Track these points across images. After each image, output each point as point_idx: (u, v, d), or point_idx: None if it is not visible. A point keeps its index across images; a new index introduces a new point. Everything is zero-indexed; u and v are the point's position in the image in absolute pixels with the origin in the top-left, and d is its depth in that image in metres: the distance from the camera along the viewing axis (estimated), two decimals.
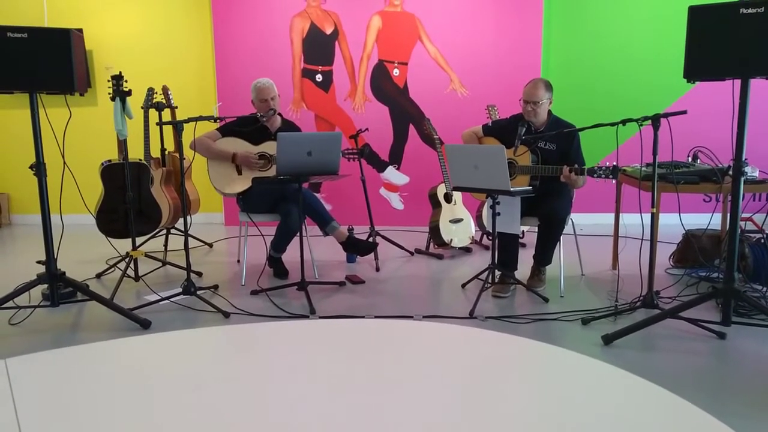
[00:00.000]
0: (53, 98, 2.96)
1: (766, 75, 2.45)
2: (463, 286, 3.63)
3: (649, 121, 2.80)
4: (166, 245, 4.56)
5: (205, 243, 4.88)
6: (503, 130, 3.59)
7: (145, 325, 2.97)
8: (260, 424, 0.95)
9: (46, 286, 3.09)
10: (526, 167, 3.43)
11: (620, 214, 4.05)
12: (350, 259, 4.24)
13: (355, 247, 3.88)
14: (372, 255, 4.14)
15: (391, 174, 5.66)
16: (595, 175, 3.12)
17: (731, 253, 2.67)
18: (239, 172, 3.75)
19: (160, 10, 5.73)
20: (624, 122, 2.90)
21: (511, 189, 3.08)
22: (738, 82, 2.55)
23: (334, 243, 3.98)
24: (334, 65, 5.55)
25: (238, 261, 4.35)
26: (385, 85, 5.55)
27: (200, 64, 5.79)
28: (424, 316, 3.12)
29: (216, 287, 3.61)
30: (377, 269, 4.05)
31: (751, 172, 3.25)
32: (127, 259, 3.71)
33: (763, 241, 3.43)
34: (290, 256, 3.90)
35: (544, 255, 3.54)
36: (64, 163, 3.04)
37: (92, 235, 4.39)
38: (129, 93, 3.52)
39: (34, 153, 2.89)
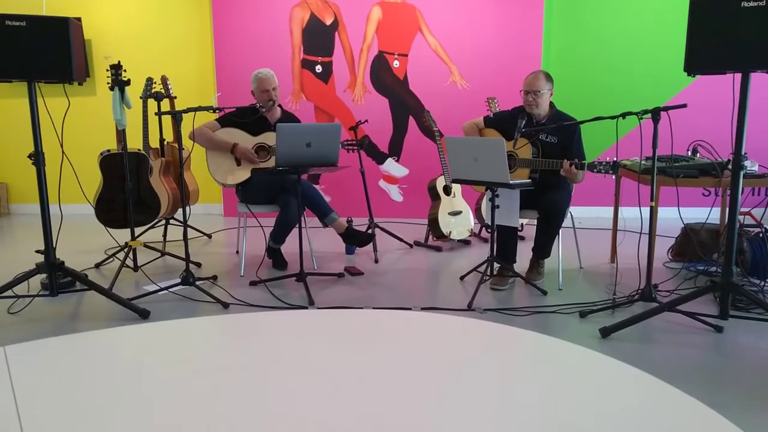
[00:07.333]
0: (52, 87, 2.94)
1: (766, 69, 2.44)
2: (462, 278, 3.64)
3: (649, 115, 2.80)
4: (165, 236, 4.56)
5: (204, 234, 4.88)
6: (505, 122, 3.58)
7: (143, 315, 2.97)
8: (258, 413, 0.96)
9: (45, 275, 3.09)
10: (526, 160, 3.43)
11: (619, 208, 4.05)
12: (349, 250, 4.24)
13: (354, 238, 3.89)
14: (371, 247, 4.14)
15: (391, 166, 5.66)
16: (595, 170, 3.11)
17: (730, 247, 2.67)
18: (238, 163, 3.75)
19: (159, 0, 5.70)
20: (624, 115, 2.90)
21: (511, 182, 3.08)
22: (738, 76, 2.55)
23: (333, 234, 3.98)
24: (333, 56, 5.53)
25: (237, 252, 4.35)
26: (384, 77, 5.53)
27: (199, 54, 5.77)
28: (422, 308, 3.12)
29: (215, 278, 3.61)
30: (376, 261, 4.05)
31: (751, 166, 3.25)
32: (126, 249, 3.71)
33: (761, 235, 3.43)
34: (289, 247, 3.90)
35: (542, 248, 3.54)
36: (63, 152, 3.03)
37: (91, 225, 4.39)
38: (128, 82, 3.51)
39: (32, 142, 2.88)
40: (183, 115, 3.16)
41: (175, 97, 4.42)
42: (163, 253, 4.10)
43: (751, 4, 2.38)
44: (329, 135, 3.30)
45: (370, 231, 4.14)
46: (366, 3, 5.43)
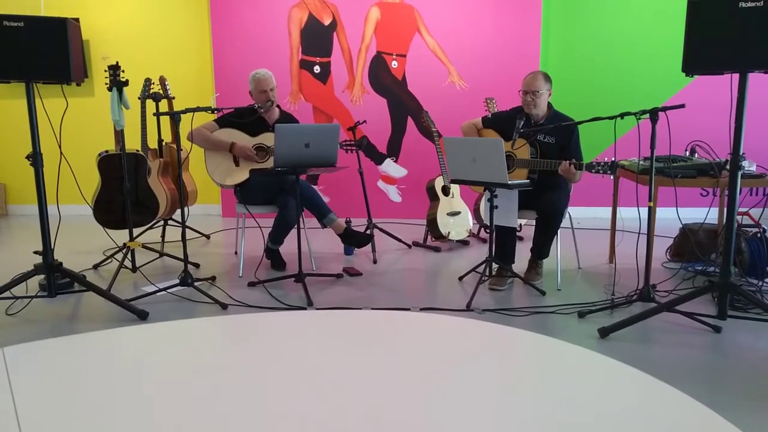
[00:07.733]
0: (50, 88, 2.94)
1: (764, 69, 2.45)
2: (461, 278, 3.64)
3: (648, 115, 2.80)
4: (163, 236, 4.55)
5: (203, 234, 4.88)
6: (503, 123, 3.58)
7: (142, 316, 2.97)
8: (257, 414, 0.96)
9: (43, 276, 3.09)
10: (525, 161, 3.43)
11: (617, 208, 4.05)
12: (348, 251, 4.24)
13: (352, 239, 3.89)
14: (369, 247, 4.14)
15: (389, 166, 5.66)
16: (593, 171, 3.10)
17: (728, 247, 2.67)
18: (237, 164, 3.75)
19: (158, 0, 5.70)
20: (622, 116, 2.90)
21: (509, 182, 3.08)
22: (736, 76, 2.55)
23: (331, 235, 3.97)
24: (332, 57, 5.53)
25: (236, 252, 4.35)
26: (383, 77, 5.53)
27: (198, 55, 5.76)
28: (421, 309, 3.12)
29: (213, 279, 3.61)
30: (375, 262, 4.05)
31: (749, 166, 3.25)
32: (124, 250, 3.70)
33: (759, 235, 3.44)
34: (288, 247, 3.90)
35: (541, 248, 3.54)
36: (61, 153, 3.03)
37: (89, 226, 4.38)
38: (126, 83, 3.51)
39: (30, 143, 2.87)
40: (181, 115, 3.16)
41: (174, 98, 4.42)
42: (162, 254, 4.10)
43: (749, 4, 2.39)
44: (328, 135, 3.30)
45: (368, 231, 4.14)
46: (364, 3, 5.43)
